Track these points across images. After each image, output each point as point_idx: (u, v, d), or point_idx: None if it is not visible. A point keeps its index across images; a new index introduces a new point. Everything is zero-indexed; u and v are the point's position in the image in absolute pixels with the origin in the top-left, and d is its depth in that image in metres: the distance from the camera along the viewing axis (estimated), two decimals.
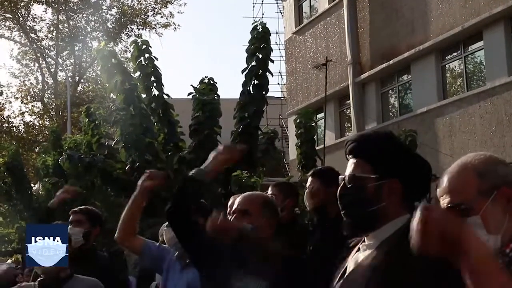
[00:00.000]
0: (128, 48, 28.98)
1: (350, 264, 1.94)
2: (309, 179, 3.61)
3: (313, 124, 11.14)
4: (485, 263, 1.27)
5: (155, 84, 10.83)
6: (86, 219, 4.14)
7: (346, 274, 1.92)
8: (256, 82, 10.42)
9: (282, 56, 21.57)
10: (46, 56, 31.57)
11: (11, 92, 32.50)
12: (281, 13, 21.80)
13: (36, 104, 32.22)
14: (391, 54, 13.97)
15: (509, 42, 11.52)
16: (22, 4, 31.39)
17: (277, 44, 21.80)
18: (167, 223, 3.47)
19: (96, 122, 11.96)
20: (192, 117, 10.55)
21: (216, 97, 10.59)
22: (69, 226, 3.79)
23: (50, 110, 31.82)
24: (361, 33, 15.05)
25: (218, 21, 79.60)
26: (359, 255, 1.94)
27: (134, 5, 32.39)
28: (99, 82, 29.04)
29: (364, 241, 1.96)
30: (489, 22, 11.70)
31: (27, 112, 31.81)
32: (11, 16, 31.32)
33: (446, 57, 13.18)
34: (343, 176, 1.98)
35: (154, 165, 10.04)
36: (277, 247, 2.54)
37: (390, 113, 15.06)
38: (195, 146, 10.28)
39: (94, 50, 16.92)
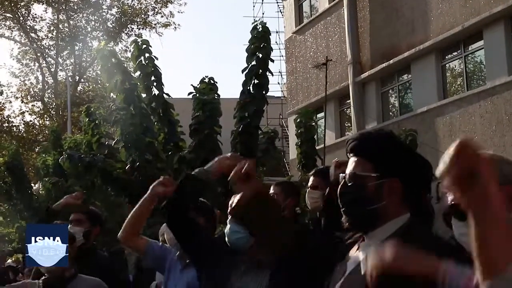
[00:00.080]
0: (128, 48, 29.03)
1: (350, 263, 1.94)
2: (311, 178, 3.63)
3: (313, 123, 11.16)
4: (496, 208, 1.27)
5: (155, 84, 10.82)
6: (86, 219, 4.14)
7: (346, 274, 1.91)
8: (256, 81, 10.41)
9: (282, 56, 21.58)
10: (46, 56, 31.59)
11: (11, 92, 32.56)
12: (281, 12, 21.80)
13: (36, 103, 32.25)
14: (391, 53, 13.97)
15: (509, 42, 11.52)
16: (22, 3, 31.40)
17: (277, 44, 21.81)
18: None
19: (96, 122, 11.95)
20: (192, 116, 10.54)
21: (216, 97, 10.58)
22: (69, 226, 3.79)
23: (50, 110, 31.83)
24: (361, 32, 15.05)
25: (218, 21, 79.64)
26: (359, 254, 1.94)
27: (134, 4, 32.42)
28: (99, 81, 29.04)
29: (363, 240, 1.96)
30: (489, 22, 11.70)
31: (27, 111, 31.87)
32: (11, 16, 31.32)
33: (446, 57, 13.18)
34: (343, 175, 1.98)
35: (154, 164, 10.04)
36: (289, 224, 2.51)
37: (390, 113, 15.06)
38: (195, 146, 10.27)
39: (94, 49, 16.92)
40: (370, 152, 1.93)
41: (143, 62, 10.67)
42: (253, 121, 10.38)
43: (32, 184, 19.74)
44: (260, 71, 10.41)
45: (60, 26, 31.97)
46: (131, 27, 32.19)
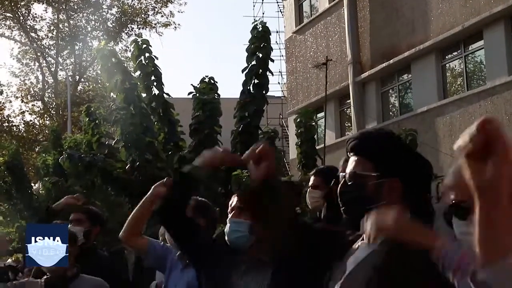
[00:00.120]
0: (128, 48, 29.03)
1: (349, 262, 1.94)
2: (312, 178, 3.63)
3: (313, 123, 11.14)
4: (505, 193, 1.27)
5: (155, 84, 10.83)
6: (86, 218, 4.14)
7: (346, 274, 1.91)
8: (256, 81, 10.43)
9: (282, 56, 21.57)
10: (46, 55, 31.59)
11: (11, 91, 32.56)
12: (281, 12, 21.79)
13: (36, 103, 32.25)
14: (392, 53, 13.97)
15: (509, 42, 11.52)
16: (22, 3, 31.39)
17: (277, 44, 21.80)
18: None
19: (96, 122, 11.96)
20: (192, 116, 10.55)
21: (216, 97, 10.59)
22: (69, 225, 3.79)
23: (50, 110, 31.83)
24: (361, 32, 15.05)
25: (218, 21, 79.66)
26: (358, 254, 1.94)
27: (134, 4, 32.41)
28: (99, 81, 29.04)
29: (363, 239, 1.96)
30: (489, 22, 11.70)
31: (27, 111, 31.86)
32: (12, 15, 31.32)
33: (446, 57, 13.18)
34: (343, 174, 1.98)
35: (154, 164, 10.04)
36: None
37: (391, 113, 15.06)
38: (195, 146, 10.27)
39: (94, 49, 16.93)
40: (371, 152, 1.93)
41: (143, 61, 10.68)
42: (253, 121, 10.39)
43: (32, 184, 19.75)
44: (260, 71, 10.43)
45: (60, 25, 31.98)
46: (131, 26, 32.21)
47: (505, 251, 1.26)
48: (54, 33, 31.77)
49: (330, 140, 15.22)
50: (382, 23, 14.49)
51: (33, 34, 31.91)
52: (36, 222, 6.28)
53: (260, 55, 10.40)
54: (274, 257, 2.59)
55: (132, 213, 3.28)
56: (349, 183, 1.94)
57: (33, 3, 31.54)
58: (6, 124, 30.99)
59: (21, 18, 31.55)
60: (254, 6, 28.86)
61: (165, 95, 10.87)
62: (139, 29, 32.09)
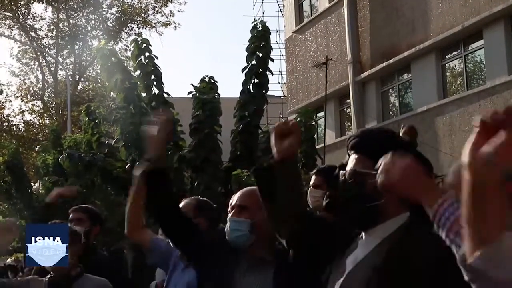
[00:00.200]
0: (128, 47, 29.02)
1: (349, 261, 1.93)
2: (313, 177, 3.64)
3: (313, 123, 11.16)
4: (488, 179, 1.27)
5: (155, 83, 10.83)
6: (87, 218, 4.13)
7: (346, 273, 1.91)
8: (256, 81, 10.43)
9: (282, 55, 21.56)
10: (46, 55, 31.58)
11: (11, 91, 32.57)
12: (281, 12, 21.79)
13: (36, 102, 32.25)
14: (392, 53, 13.97)
15: (509, 41, 11.52)
16: (22, 2, 31.39)
17: (277, 43, 21.79)
18: None
19: (96, 121, 11.97)
20: (192, 116, 10.55)
21: (216, 96, 10.58)
22: (69, 225, 3.78)
23: (50, 109, 31.83)
24: (361, 32, 15.05)
25: (218, 20, 79.68)
26: (358, 252, 1.93)
27: (134, 3, 32.41)
28: (99, 80, 29.04)
29: (362, 238, 1.96)
30: (489, 21, 11.70)
31: (27, 110, 31.85)
32: (11, 15, 31.32)
33: (446, 56, 13.18)
34: (344, 171, 1.98)
35: None
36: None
37: (390, 112, 15.06)
38: (195, 145, 10.28)
39: (94, 48, 16.93)
40: (371, 150, 1.93)
41: (143, 61, 10.68)
42: (253, 120, 10.39)
43: (32, 183, 19.74)
44: (260, 70, 10.43)
45: (60, 25, 31.98)
46: (131, 26, 32.21)
47: (496, 232, 1.24)
48: (54, 32, 31.77)
49: (330, 139, 15.22)
50: (382, 23, 14.49)
51: (33, 34, 31.92)
52: (36, 221, 6.27)
53: (260, 54, 10.40)
54: (275, 254, 2.58)
55: (127, 207, 3.28)
56: (349, 181, 1.94)
57: (33, 3, 31.55)
58: (6, 123, 30.99)
59: (21, 17, 31.54)
60: (254, 5, 28.86)
61: (165, 94, 10.87)
62: (139, 28, 32.12)
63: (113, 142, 11.55)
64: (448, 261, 1.52)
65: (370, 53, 14.83)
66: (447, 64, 13.25)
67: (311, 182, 3.67)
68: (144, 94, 10.83)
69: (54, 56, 30.98)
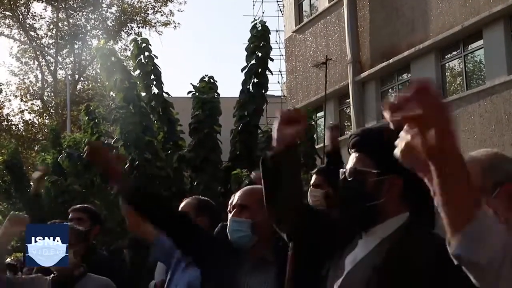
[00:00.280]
0: (128, 47, 29.00)
1: (348, 261, 1.93)
2: (314, 177, 3.65)
3: (313, 122, 11.15)
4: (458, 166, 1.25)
5: (154, 83, 10.82)
6: (87, 217, 4.14)
7: (345, 273, 1.90)
8: (255, 80, 10.42)
9: (282, 55, 21.56)
10: (46, 54, 31.57)
11: (11, 90, 32.55)
12: (281, 11, 21.78)
13: (36, 102, 32.24)
14: (391, 53, 13.97)
15: (508, 41, 11.53)
16: (21, 2, 31.37)
17: (277, 43, 21.79)
18: None
19: (96, 121, 11.95)
20: (192, 115, 10.54)
21: (216, 96, 10.58)
22: (73, 224, 3.78)
23: (49, 108, 31.81)
24: (361, 31, 15.05)
25: (218, 20, 79.69)
26: (357, 252, 1.93)
27: (134, 3, 32.40)
28: (99, 80, 29.04)
29: (361, 237, 1.96)
30: (489, 21, 11.70)
31: (27, 110, 31.84)
32: (11, 14, 31.31)
33: (446, 56, 13.18)
34: (344, 170, 1.98)
35: (153, 163, 10.03)
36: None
37: None
38: (194, 145, 10.27)
39: (94, 48, 16.92)
40: (372, 148, 1.92)
41: (143, 60, 10.68)
42: (252, 120, 10.39)
43: (31, 183, 19.70)
44: (260, 70, 10.42)
45: (60, 24, 31.96)
46: (130, 25, 32.20)
47: (471, 213, 1.23)
48: (54, 32, 31.76)
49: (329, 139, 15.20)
50: (382, 23, 14.49)
51: (32, 33, 31.91)
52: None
53: (260, 54, 10.39)
54: (277, 254, 2.58)
55: (123, 208, 3.29)
56: (349, 179, 1.93)
57: (32, 2, 31.55)
58: (5, 123, 30.97)
59: (21, 16, 31.53)
60: (254, 5, 28.86)
61: (164, 94, 10.86)
62: (138, 28, 32.12)
63: (113, 141, 11.53)
64: (448, 261, 1.51)
65: (370, 53, 14.83)
66: (446, 64, 13.25)
67: (312, 182, 3.67)
68: (143, 94, 10.82)
69: (54, 55, 30.98)
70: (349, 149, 2.00)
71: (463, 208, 1.24)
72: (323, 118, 14.68)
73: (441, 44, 12.89)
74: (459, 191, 1.23)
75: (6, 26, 31.65)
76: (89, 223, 4.10)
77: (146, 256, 4.28)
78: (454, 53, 12.96)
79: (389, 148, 1.91)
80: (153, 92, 10.83)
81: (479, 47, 12.33)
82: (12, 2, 30.68)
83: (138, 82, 10.68)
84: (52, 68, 32.05)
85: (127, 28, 32.13)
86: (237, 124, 10.38)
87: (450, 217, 1.25)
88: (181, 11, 66.32)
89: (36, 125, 31.70)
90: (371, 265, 1.83)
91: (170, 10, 43.23)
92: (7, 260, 13.33)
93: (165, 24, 32.36)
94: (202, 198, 3.74)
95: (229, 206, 2.79)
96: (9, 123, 31.08)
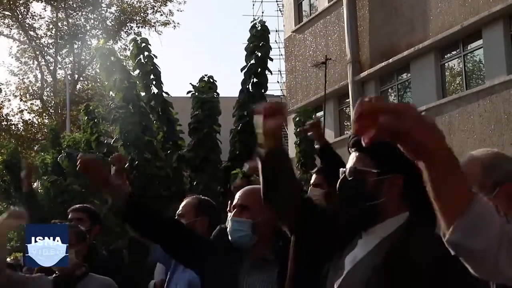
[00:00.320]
0: (127, 46, 29.02)
1: (347, 261, 1.93)
2: (314, 176, 3.66)
3: None
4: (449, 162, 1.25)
5: (154, 82, 10.83)
6: (87, 217, 4.13)
7: (345, 273, 1.90)
8: (255, 80, 10.43)
9: (281, 55, 21.57)
10: (45, 54, 31.57)
11: (10, 90, 32.55)
12: (280, 11, 21.79)
13: (35, 102, 32.25)
14: (391, 52, 13.97)
15: (508, 41, 11.53)
16: (21, 1, 31.36)
17: (276, 43, 21.81)
18: None
19: (95, 120, 11.96)
20: (192, 115, 10.55)
21: (215, 96, 10.58)
22: (75, 224, 3.78)
23: (49, 108, 31.81)
24: (360, 31, 15.05)
25: (217, 20, 79.67)
26: (357, 252, 1.93)
27: (133, 3, 32.40)
28: (98, 80, 29.04)
29: (361, 237, 1.96)
30: (488, 21, 11.70)
31: (26, 110, 31.84)
32: (10, 14, 31.30)
33: (446, 56, 13.18)
34: (344, 169, 1.98)
35: (153, 163, 10.04)
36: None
37: None
38: (194, 145, 10.27)
39: (93, 48, 16.91)
40: (372, 148, 1.93)
41: (142, 60, 10.68)
42: (252, 120, 10.39)
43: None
44: (259, 69, 10.43)
45: (59, 24, 31.96)
46: (130, 25, 32.21)
47: (464, 204, 1.23)
48: (53, 31, 31.76)
49: (329, 139, 15.11)
50: (381, 22, 14.48)
51: (32, 33, 31.90)
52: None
53: (259, 54, 10.40)
54: (277, 254, 2.58)
55: None
56: (349, 179, 1.93)
57: (32, 2, 31.56)
58: (5, 123, 30.97)
59: (20, 16, 31.52)
60: (253, 5, 28.83)
61: (164, 94, 10.87)
62: (138, 27, 32.13)
63: (112, 141, 11.54)
64: (448, 260, 1.51)
65: (369, 52, 14.83)
66: (446, 64, 13.25)
67: (312, 181, 3.68)
68: (143, 94, 10.83)
69: (53, 55, 30.97)
70: (349, 149, 2.00)
71: (456, 200, 1.24)
72: (322, 118, 14.69)
73: (441, 43, 12.89)
74: (452, 184, 1.25)
75: (6, 26, 31.70)
76: (89, 223, 4.09)
77: (146, 256, 4.28)
78: (454, 52, 12.96)
79: (389, 147, 1.92)
80: (152, 92, 10.83)
81: (479, 46, 12.33)
82: (11, 2, 30.67)
83: (137, 82, 10.68)
84: (51, 68, 32.05)
85: (126, 28, 32.16)
86: (237, 124, 10.39)
87: (443, 209, 1.25)
88: (181, 11, 66.40)
89: (35, 125, 31.70)
90: (371, 265, 1.83)
91: (170, 10, 43.24)
92: (7, 260, 13.34)
93: (165, 24, 32.39)
94: (202, 197, 3.74)
95: (229, 206, 2.79)
96: (8, 123, 31.08)
